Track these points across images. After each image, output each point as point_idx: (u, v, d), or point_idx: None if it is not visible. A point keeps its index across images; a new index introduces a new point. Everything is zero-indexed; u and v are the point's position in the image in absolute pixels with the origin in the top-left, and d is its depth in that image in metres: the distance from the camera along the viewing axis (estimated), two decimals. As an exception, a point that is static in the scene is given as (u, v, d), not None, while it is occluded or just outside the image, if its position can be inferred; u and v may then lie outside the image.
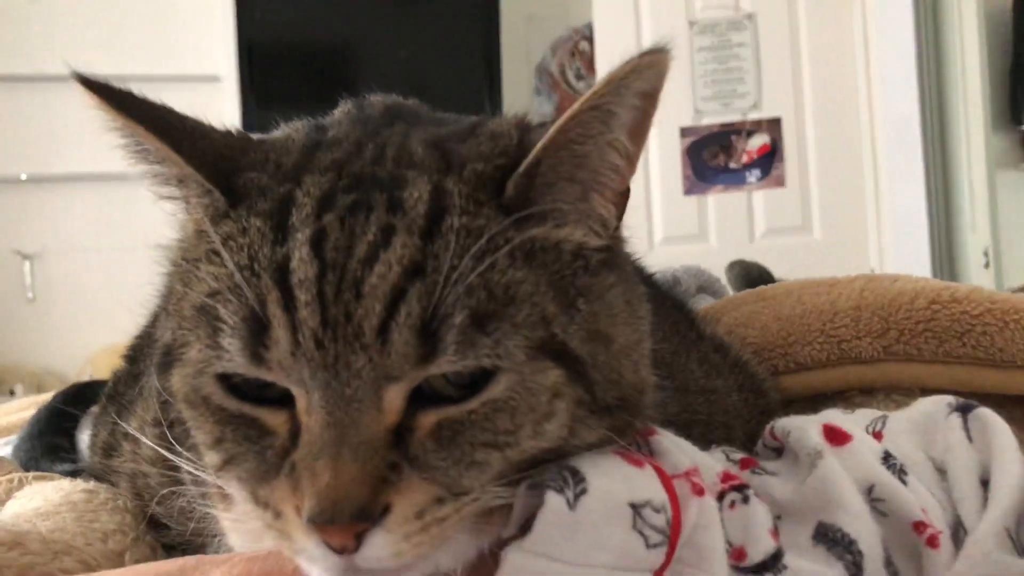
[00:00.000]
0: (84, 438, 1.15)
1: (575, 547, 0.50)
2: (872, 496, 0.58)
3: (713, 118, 3.69)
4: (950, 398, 0.66)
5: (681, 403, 0.73)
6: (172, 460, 0.67)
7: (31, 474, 0.96)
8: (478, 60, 4.05)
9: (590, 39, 3.97)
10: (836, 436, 0.61)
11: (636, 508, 0.51)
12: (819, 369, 0.93)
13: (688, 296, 1.17)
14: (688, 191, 3.69)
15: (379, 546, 0.48)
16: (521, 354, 0.50)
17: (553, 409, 0.52)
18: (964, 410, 0.64)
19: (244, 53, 3.81)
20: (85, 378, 1.46)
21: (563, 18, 4.26)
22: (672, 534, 0.52)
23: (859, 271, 1.03)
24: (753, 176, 3.66)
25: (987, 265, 3.35)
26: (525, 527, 0.51)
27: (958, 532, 0.57)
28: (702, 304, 1.13)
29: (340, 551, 0.48)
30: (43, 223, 3.81)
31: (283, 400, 0.51)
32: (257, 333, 0.49)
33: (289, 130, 0.62)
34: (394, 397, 0.49)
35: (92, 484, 0.86)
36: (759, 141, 3.66)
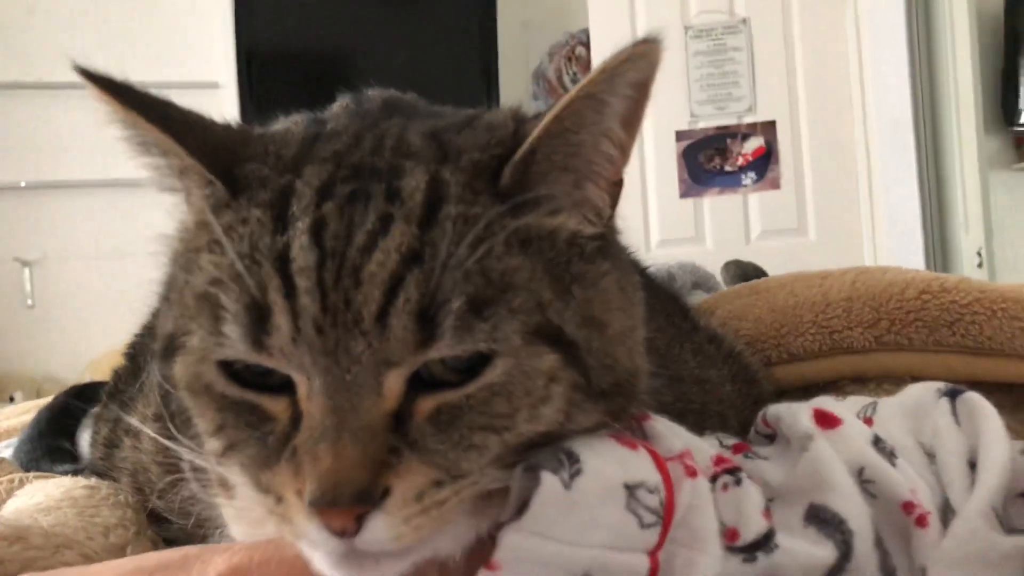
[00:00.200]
0: (85, 439, 1.16)
1: (570, 527, 0.50)
2: (862, 478, 0.59)
3: (708, 121, 3.71)
4: (939, 384, 0.67)
5: (676, 392, 0.74)
6: (173, 452, 0.68)
7: (32, 474, 0.96)
8: (475, 66, 4.06)
9: (586, 44, 3.99)
10: (826, 420, 0.62)
11: (630, 489, 0.52)
12: (812, 359, 0.94)
13: (683, 292, 1.18)
14: (684, 194, 3.71)
15: (379, 529, 0.49)
16: (518, 339, 0.51)
17: (549, 393, 0.53)
18: (952, 395, 0.65)
19: (243, 60, 3.82)
20: (71, 385, 1.46)
21: (560, 24, 4.28)
22: (666, 514, 0.52)
23: (854, 271, 1.04)
24: (748, 179, 3.68)
25: (980, 265, 3.36)
26: (521, 509, 0.51)
27: (946, 513, 0.58)
28: (697, 299, 1.14)
29: (341, 534, 0.49)
30: (43, 230, 3.81)
31: (284, 387, 0.52)
32: (258, 320, 0.50)
33: (288, 123, 0.63)
34: (393, 382, 0.50)
35: (93, 480, 0.86)
36: (754, 144, 3.68)
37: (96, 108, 0.57)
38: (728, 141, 3.69)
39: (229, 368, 0.53)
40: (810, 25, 3.65)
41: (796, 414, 0.64)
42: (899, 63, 3.50)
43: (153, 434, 0.68)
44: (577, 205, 0.57)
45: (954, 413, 0.64)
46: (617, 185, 0.59)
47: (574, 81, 4.20)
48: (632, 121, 0.56)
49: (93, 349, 3.38)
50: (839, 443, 0.60)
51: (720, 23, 3.71)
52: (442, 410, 0.51)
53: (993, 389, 0.75)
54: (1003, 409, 0.65)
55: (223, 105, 3.64)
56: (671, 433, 0.58)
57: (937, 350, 0.89)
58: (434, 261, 0.50)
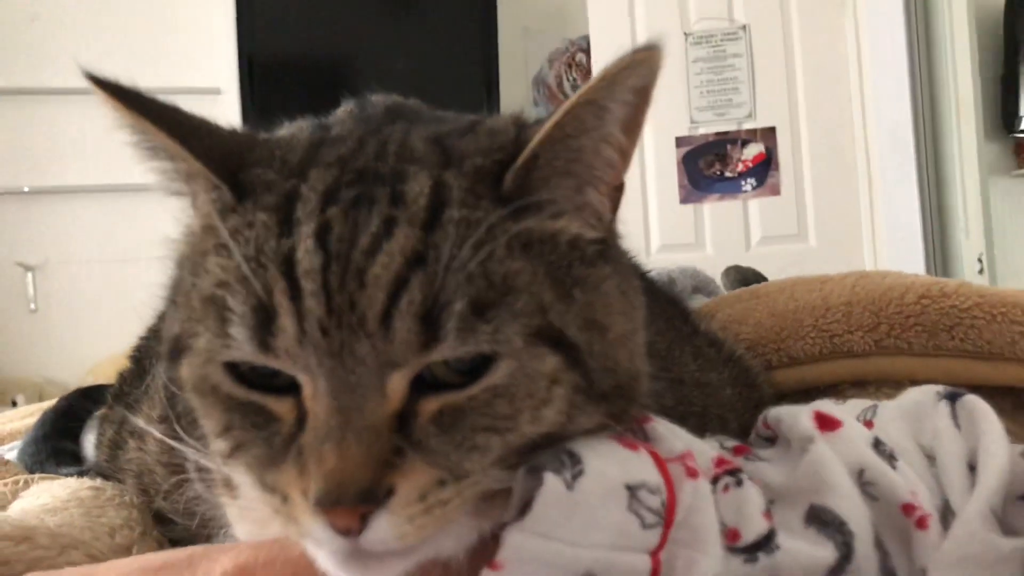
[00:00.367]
0: (90, 441, 1.16)
1: (573, 527, 0.51)
2: (862, 480, 0.59)
3: (708, 128, 3.72)
4: (939, 387, 0.67)
5: (677, 395, 0.74)
6: (177, 453, 0.68)
7: (36, 476, 0.97)
8: (476, 72, 4.07)
9: (587, 51, 4.00)
10: (827, 422, 0.63)
11: (632, 489, 0.52)
12: (812, 363, 0.95)
13: (684, 296, 1.18)
14: (684, 200, 3.71)
15: (383, 528, 0.49)
16: (519, 341, 0.51)
17: (551, 395, 0.53)
18: (952, 398, 0.65)
19: (245, 66, 3.83)
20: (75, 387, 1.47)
21: (560, 30, 4.29)
22: (667, 515, 0.53)
23: (854, 278, 1.05)
24: (748, 185, 3.69)
25: (981, 271, 3.36)
26: (524, 509, 0.52)
27: (946, 515, 0.59)
28: (697, 303, 1.15)
29: (345, 533, 0.50)
30: (45, 235, 3.82)
31: (289, 388, 0.52)
32: (264, 322, 0.51)
33: (293, 128, 0.64)
34: (397, 383, 0.51)
35: (99, 481, 0.87)
36: (754, 150, 3.69)
37: (104, 113, 0.57)
38: (728, 147, 3.70)
39: (235, 369, 0.54)
40: (810, 32, 3.66)
41: (796, 416, 0.64)
42: (899, 69, 3.51)
43: (159, 435, 0.69)
44: (578, 209, 0.57)
45: (954, 416, 0.64)
46: (618, 190, 0.59)
47: (574, 87, 4.20)
48: (633, 127, 0.56)
49: (95, 353, 3.39)
50: (839, 445, 0.61)
51: (720, 30, 3.72)
52: (445, 411, 0.52)
53: (993, 393, 0.75)
54: (1003, 412, 0.65)
55: (225, 111, 3.65)
56: (672, 435, 0.59)
57: (937, 354, 0.89)
58: (437, 264, 0.50)
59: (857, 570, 0.55)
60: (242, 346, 0.51)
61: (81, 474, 0.95)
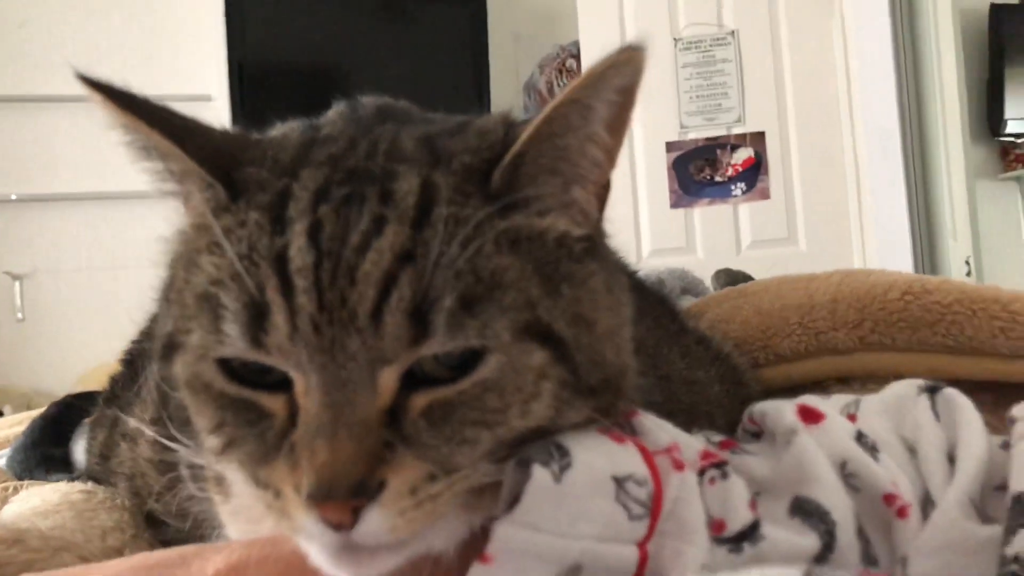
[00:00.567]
0: (79, 447, 1.16)
1: (561, 518, 0.51)
2: (845, 471, 0.60)
3: (698, 132, 3.74)
4: (920, 381, 0.68)
5: (665, 392, 0.75)
6: (170, 454, 0.69)
7: (25, 483, 0.97)
8: (467, 78, 4.08)
9: (577, 56, 4.01)
10: (810, 415, 0.64)
11: (619, 481, 0.53)
12: (798, 360, 0.96)
13: (673, 297, 1.19)
14: (675, 204, 3.73)
15: (375, 521, 0.50)
16: (508, 335, 0.52)
17: (539, 389, 0.54)
18: (932, 391, 0.66)
19: (235, 73, 3.83)
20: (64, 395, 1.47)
21: (550, 36, 4.30)
22: (654, 506, 0.54)
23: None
24: (738, 189, 3.71)
25: (969, 273, 3.39)
26: (514, 502, 0.52)
27: (926, 505, 0.60)
28: (686, 304, 1.15)
29: (338, 527, 0.50)
30: (33, 243, 3.81)
31: (281, 384, 0.53)
32: (257, 318, 0.51)
33: (284, 128, 0.65)
34: (388, 379, 0.51)
35: (90, 485, 0.87)
36: (744, 155, 3.71)
37: (96, 117, 0.58)
38: (718, 152, 3.72)
39: (228, 366, 0.54)
40: (798, 37, 3.69)
41: (781, 410, 0.65)
42: (886, 74, 3.54)
43: (154, 435, 0.69)
44: (565, 207, 0.58)
45: (934, 409, 0.65)
46: (605, 188, 0.60)
47: (565, 93, 4.22)
48: (618, 126, 0.57)
49: (83, 363, 3.38)
50: (823, 437, 0.62)
51: (709, 35, 3.74)
52: (435, 406, 0.52)
53: (974, 387, 0.76)
54: (983, 406, 0.66)
55: (215, 118, 3.61)
56: (658, 428, 0.60)
57: (920, 350, 0.90)
58: (426, 260, 0.51)
59: (840, 558, 0.56)
60: (235, 342, 0.52)
61: (72, 480, 0.95)
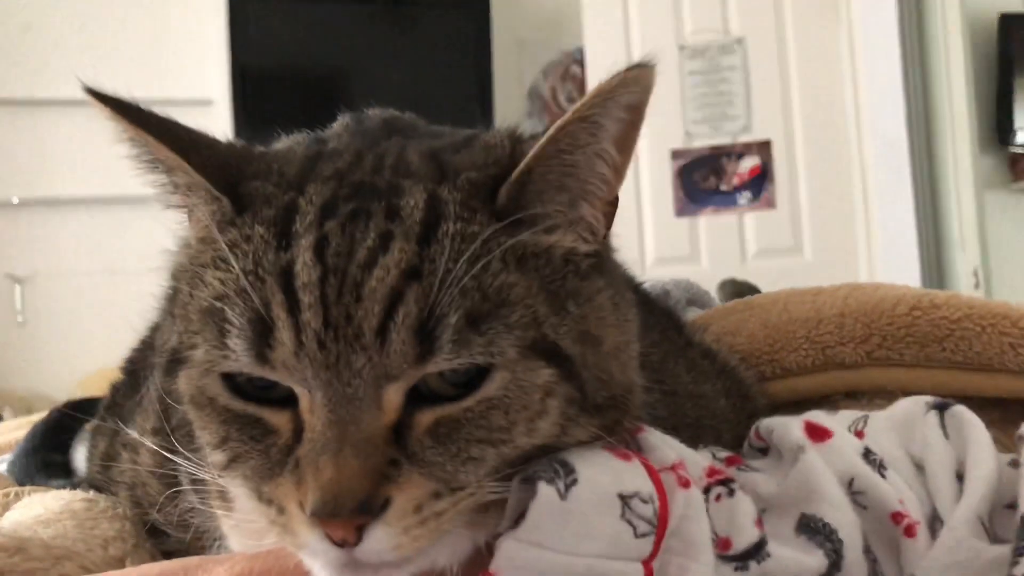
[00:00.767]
0: (80, 453, 1.16)
1: (566, 536, 0.51)
2: (852, 489, 0.60)
3: (704, 141, 3.73)
4: (928, 397, 0.68)
5: (670, 406, 0.75)
6: (172, 465, 0.69)
7: (27, 488, 0.97)
8: (470, 84, 4.08)
9: (581, 63, 4.01)
10: (817, 432, 0.63)
11: (624, 499, 0.53)
12: (805, 375, 0.95)
13: (678, 308, 1.19)
14: (679, 213, 3.72)
15: (379, 539, 0.50)
16: (514, 352, 0.52)
17: (545, 407, 0.54)
18: (941, 408, 0.66)
19: (237, 77, 3.84)
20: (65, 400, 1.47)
21: (554, 42, 4.31)
22: (660, 524, 0.53)
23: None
24: (744, 198, 3.70)
25: (977, 285, 3.38)
26: (519, 519, 0.52)
27: (934, 523, 0.59)
28: (691, 316, 1.15)
29: (342, 544, 0.50)
30: (34, 247, 3.81)
31: (286, 400, 0.53)
32: (262, 334, 0.51)
33: (290, 142, 0.65)
34: (393, 396, 0.51)
35: (91, 493, 0.87)
36: (749, 163, 3.70)
37: (101, 126, 0.58)
38: (723, 160, 3.72)
39: (232, 381, 0.54)
40: (804, 44, 3.68)
41: (788, 427, 0.65)
42: (894, 82, 3.53)
43: (154, 446, 0.69)
44: (572, 223, 0.58)
45: (942, 426, 0.65)
46: (612, 204, 0.60)
47: (569, 99, 4.23)
48: (626, 143, 0.57)
49: (84, 366, 3.38)
50: (830, 455, 0.61)
51: (715, 43, 3.74)
52: (440, 423, 0.52)
53: (983, 404, 0.76)
54: (992, 423, 0.66)
55: (216, 122, 3.65)
56: (664, 445, 0.59)
57: (928, 365, 0.90)
58: (432, 277, 0.51)
59: (846, 577, 0.56)
60: (240, 358, 0.52)
61: (74, 486, 0.95)
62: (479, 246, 0.52)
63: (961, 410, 0.65)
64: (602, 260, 0.60)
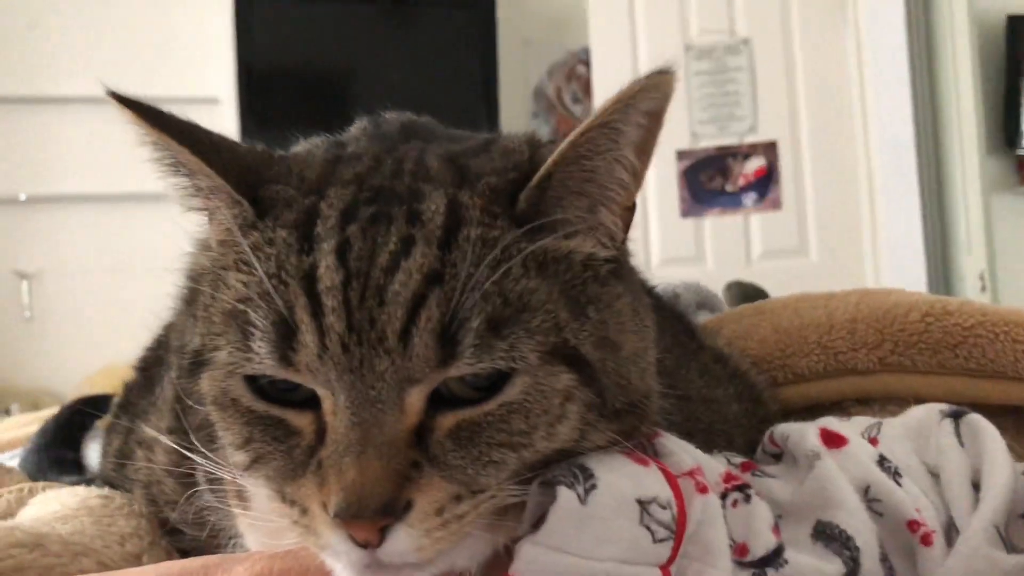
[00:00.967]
0: (92, 450, 1.17)
1: (585, 540, 0.52)
2: (868, 496, 0.60)
3: (710, 141, 3.73)
4: (942, 405, 0.68)
5: (684, 411, 0.75)
6: (187, 464, 0.69)
7: (40, 484, 0.97)
8: (476, 83, 4.08)
9: (587, 63, 4.01)
10: (833, 439, 0.64)
11: (643, 504, 0.53)
12: (816, 380, 0.96)
13: (688, 311, 1.19)
14: (685, 213, 3.72)
15: (401, 540, 0.51)
16: (535, 358, 0.52)
17: (565, 412, 0.54)
18: (956, 416, 0.67)
19: (243, 75, 3.83)
20: (76, 397, 1.48)
21: (560, 42, 4.30)
22: (678, 529, 0.54)
23: (855, 293, 1.05)
24: (749, 199, 3.70)
25: (983, 288, 3.37)
26: (538, 523, 0.53)
27: (950, 532, 0.60)
28: (701, 319, 1.15)
29: (364, 545, 0.51)
30: (42, 243, 3.81)
31: (308, 402, 0.53)
32: (286, 337, 0.52)
33: (309, 145, 0.65)
34: (415, 399, 0.52)
35: (107, 490, 0.87)
36: (755, 164, 3.70)
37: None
38: (729, 161, 3.71)
39: (255, 383, 0.55)
40: (811, 45, 3.68)
41: (803, 433, 0.65)
42: (900, 84, 3.52)
43: (173, 444, 0.69)
44: (591, 229, 0.58)
45: (957, 434, 0.65)
46: (630, 210, 0.61)
47: (574, 99, 4.22)
48: (645, 148, 0.57)
49: (90, 362, 3.38)
50: (845, 462, 0.62)
51: (721, 43, 3.73)
52: (462, 426, 0.53)
53: (996, 411, 0.76)
54: (1005, 431, 0.66)
55: (222, 121, 3.65)
56: (681, 450, 0.60)
57: (940, 372, 0.90)
58: (455, 282, 0.51)
59: (863, 585, 0.56)
60: (264, 360, 0.52)
61: (88, 483, 0.95)
62: (500, 251, 0.53)
63: (976, 418, 0.66)
64: (620, 265, 0.60)
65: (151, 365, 0.94)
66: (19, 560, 0.68)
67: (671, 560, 0.54)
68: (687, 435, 0.64)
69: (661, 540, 0.53)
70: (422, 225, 0.54)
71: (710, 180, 3.71)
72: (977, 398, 0.87)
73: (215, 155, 0.57)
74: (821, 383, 0.95)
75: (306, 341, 0.51)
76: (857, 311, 0.96)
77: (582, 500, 0.52)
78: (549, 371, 0.53)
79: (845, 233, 3.62)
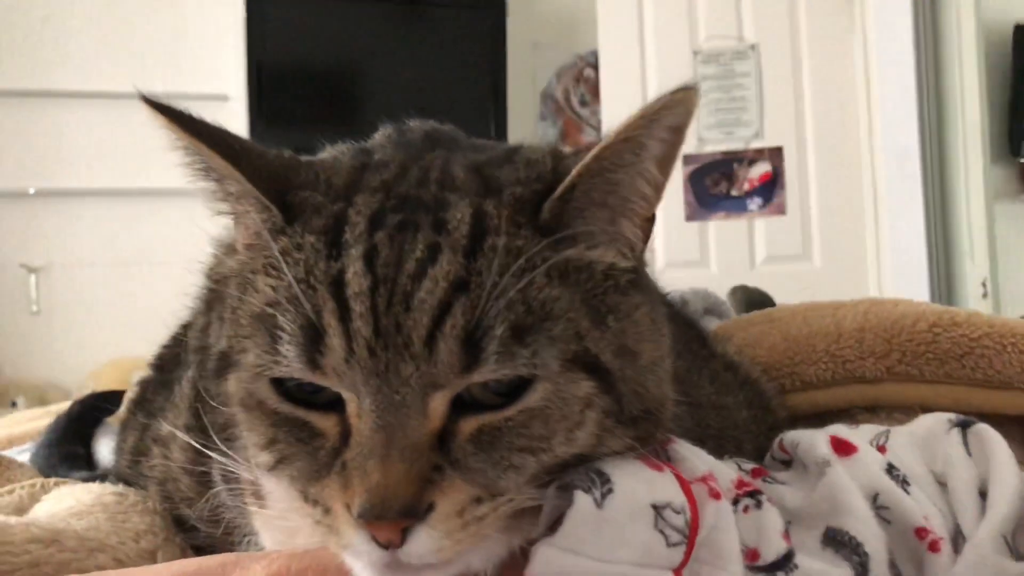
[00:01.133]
0: (103, 446, 1.18)
1: (601, 544, 0.53)
2: (877, 504, 0.61)
3: (716, 146, 3.73)
4: (950, 415, 0.69)
5: (695, 418, 0.76)
6: (203, 462, 0.70)
7: (52, 480, 0.98)
8: (484, 85, 4.09)
9: (595, 66, 4.01)
10: (843, 447, 0.65)
11: (658, 509, 0.55)
12: (824, 388, 0.97)
13: (696, 316, 1.20)
14: (690, 217, 3.73)
15: (422, 542, 0.52)
16: (556, 365, 0.54)
17: (584, 418, 0.55)
18: (964, 426, 0.68)
19: (253, 73, 3.84)
20: (87, 392, 1.49)
21: (568, 45, 4.31)
22: (691, 534, 0.55)
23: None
24: (754, 204, 3.70)
25: (985, 296, 3.37)
26: (554, 526, 0.54)
27: (957, 540, 0.61)
28: (708, 325, 1.16)
29: (386, 546, 0.52)
30: (50, 237, 3.82)
31: (334, 404, 0.55)
32: (313, 341, 0.53)
33: (335, 152, 0.66)
34: (439, 403, 0.53)
35: (121, 487, 0.88)
36: (760, 169, 3.70)
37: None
38: (735, 166, 3.72)
39: (281, 385, 0.56)
40: (818, 52, 3.68)
41: (813, 441, 0.66)
42: (907, 92, 3.53)
43: (192, 441, 0.70)
44: (613, 240, 0.59)
45: (965, 444, 0.66)
46: (649, 221, 0.62)
47: (582, 102, 4.23)
48: (667, 162, 0.59)
49: (96, 356, 3.40)
50: (855, 469, 0.63)
51: (729, 48, 3.74)
52: (483, 431, 0.54)
53: (1002, 421, 0.77)
54: (1012, 441, 0.67)
55: (232, 118, 3.66)
56: (694, 457, 0.61)
57: (947, 382, 0.91)
58: (480, 290, 0.53)
59: (873, 591, 0.57)
60: (291, 363, 0.54)
61: (99, 479, 0.96)
62: (524, 261, 0.54)
63: (984, 428, 0.67)
64: (639, 275, 0.61)
65: (168, 363, 0.95)
66: (35, 555, 0.69)
67: (683, 564, 0.55)
68: (698, 441, 0.65)
69: (674, 544, 0.54)
70: (448, 233, 0.55)
71: (715, 185, 3.71)
72: (983, 408, 0.88)
73: (245, 160, 0.59)
74: (829, 391, 0.97)
75: (333, 345, 0.52)
76: (865, 320, 0.97)
77: (598, 504, 0.53)
78: (570, 378, 0.54)
79: (849, 239, 3.62)
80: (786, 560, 0.57)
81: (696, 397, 0.80)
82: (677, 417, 0.67)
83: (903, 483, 0.63)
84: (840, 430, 0.69)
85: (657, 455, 0.60)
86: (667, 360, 0.63)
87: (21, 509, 0.87)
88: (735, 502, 0.60)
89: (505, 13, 4.12)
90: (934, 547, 0.59)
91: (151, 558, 0.76)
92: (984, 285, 3.39)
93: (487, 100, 4.06)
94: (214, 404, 0.63)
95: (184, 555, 0.78)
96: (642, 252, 0.62)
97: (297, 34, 3.95)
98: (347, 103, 3.97)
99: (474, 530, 0.53)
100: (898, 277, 3.47)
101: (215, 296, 0.63)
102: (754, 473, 0.67)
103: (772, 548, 0.57)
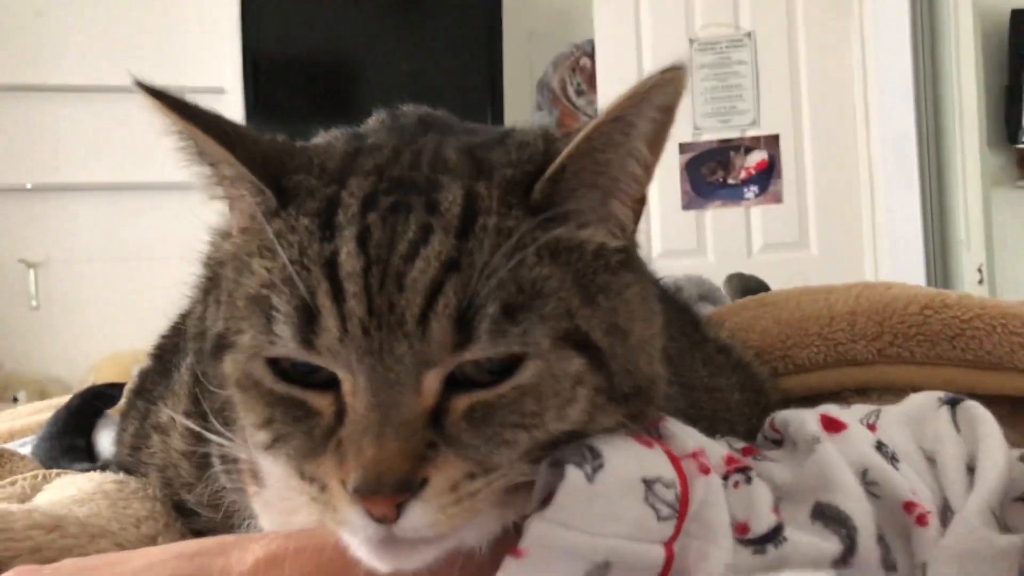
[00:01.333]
0: (104, 438, 1.19)
1: (592, 518, 0.54)
2: (866, 479, 0.62)
3: (712, 134, 3.73)
4: (940, 393, 0.70)
5: (688, 399, 0.77)
6: (203, 446, 0.71)
7: (54, 471, 0.99)
8: (480, 75, 4.09)
9: (591, 55, 4.01)
10: (832, 424, 0.66)
11: (648, 483, 0.55)
12: (816, 371, 0.98)
13: (691, 303, 1.21)
14: (686, 206, 3.73)
15: (417, 516, 0.53)
16: (547, 343, 0.54)
17: (575, 395, 0.56)
18: (952, 403, 0.68)
19: (249, 66, 3.85)
20: (87, 386, 1.50)
21: (565, 34, 4.31)
22: (681, 508, 0.56)
23: (855, 286, 1.07)
24: (751, 192, 3.71)
25: (981, 282, 3.38)
26: (546, 501, 0.55)
27: (945, 514, 0.61)
28: (702, 312, 1.17)
29: (381, 521, 0.53)
30: (48, 232, 3.84)
31: (328, 383, 0.55)
32: (308, 321, 0.54)
33: (328, 137, 0.67)
34: (432, 381, 0.54)
35: (121, 475, 0.89)
36: (757, 157, 3.71)
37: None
38: (731, 154, 3.72)
39: (277, 365, 0.57)
40: (815, 40, 3.68)
41: (803, 419, 0.67)
42: (903, 79, 3.52)
43: (193, 425, 0.71)
44: (603, 220, 0.60)
45: (954, 420, 0.67)
46: (640, 202, 0.62)
47: (578, 91, 4.23)
48: (657, 142, 0.59)
49: (96, 351, 3.41)
50: (844, 446, 0.64)
51: (725, 37, 3.74)
52: (476, 408, 0.55)
53: (992, 401, 0.77)
54: (1001, 420, 0.68)
55: (228, 110, 3.63)
56: (684, 434, 0.62)
57: (938, 363, 0.92)
58: (471, 269, 0.53)
59: (860, 563, 0.58)
60: (286, 343, 0.54)
61: (102, 469, 0.97)
62: (515, 240, 0.55)
63: (972, 405, 0.67)
64: (630, 256, 0.62)
65: (167, 352, 0.96)
66: (37, 541, 0.70)
67: (674, 538, 0.56)
68: (691, 421, 0.66)
69: (665, 518, 0.55)
70: (440, 215, 0.56)
71: (712, 173, 3.72)
72: (974, 388, 0.89)
73: (239, 145, 0.59)
74: (821, 373, 0.98)
75: (327, 325, 0.53)
76: (857, 304, 0.98)
77: (590, 479, 0.54)
78: (561, 356, 0.55)
79: (845, 226, 3.62)
80: (775, 533, 0.58)
81: (689, 379, 0.81)
82: (670, 398, 0.67)
83: (892, 459, 0.64)
84: (831, 409, 0.70)
85: (648, 432, 0.61)
86: (658, 339, 0.63)
87: (24, 499, 0.88)
88: (725, 478, 0.61)
89: (501, 3, 4.12)
90: (922, 521, 0.60)
91: (152, 543, 0.77)
92: (980, 271, 3.40)
93: (484, 90, 4.06)
94: (211, 388, 0.63)
95: (184, 539, 0.79)
96: (633, 232, 0.63)
97: (293, 26, 3.95)
98: (343, 95, 3.98)
99: (468, 505, 0.54)
100: (895, 264, 3.47)
101: (212, 282, 0.64)
102: (745, 451, 0.68)
103: (762, 522, 0.58)
